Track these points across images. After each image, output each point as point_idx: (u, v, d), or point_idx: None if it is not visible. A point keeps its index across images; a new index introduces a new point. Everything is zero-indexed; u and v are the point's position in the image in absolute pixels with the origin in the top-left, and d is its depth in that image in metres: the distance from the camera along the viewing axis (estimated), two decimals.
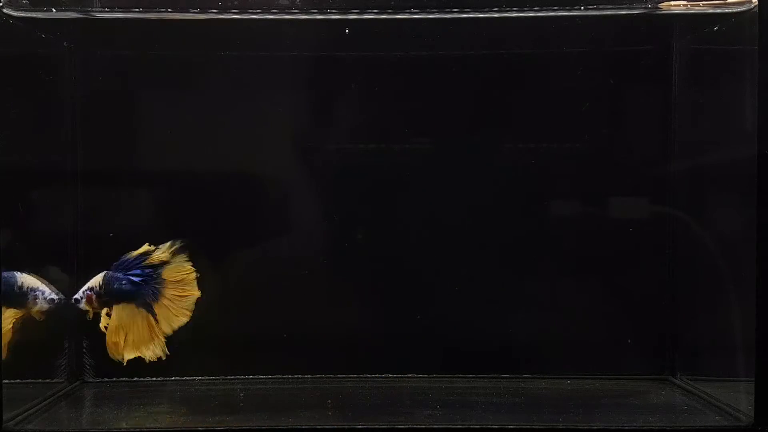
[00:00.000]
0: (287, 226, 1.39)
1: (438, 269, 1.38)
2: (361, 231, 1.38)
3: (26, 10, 1.18)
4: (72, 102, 1.34)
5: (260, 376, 1.35)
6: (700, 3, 1.18)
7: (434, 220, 1.38)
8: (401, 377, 1.36)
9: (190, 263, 1.25)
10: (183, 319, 1.25)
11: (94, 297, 1.24)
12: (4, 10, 1.15)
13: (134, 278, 1.25)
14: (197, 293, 1.26)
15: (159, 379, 1.34)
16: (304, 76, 1.38)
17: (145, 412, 1.20)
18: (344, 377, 1.36)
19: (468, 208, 1.38)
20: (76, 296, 1.24)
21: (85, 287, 1.25)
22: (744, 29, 1.14)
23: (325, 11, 1.21)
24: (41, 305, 1.22)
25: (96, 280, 1.25)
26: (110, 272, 1.25)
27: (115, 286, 1.25)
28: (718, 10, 1.17)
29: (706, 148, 1.32)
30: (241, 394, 1.28)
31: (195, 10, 1.21)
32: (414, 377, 1.36)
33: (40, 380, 1.29)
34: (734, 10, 1.15)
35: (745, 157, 1.11)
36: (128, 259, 1.25)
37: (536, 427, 1.11)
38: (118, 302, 1.25)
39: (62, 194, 1.35)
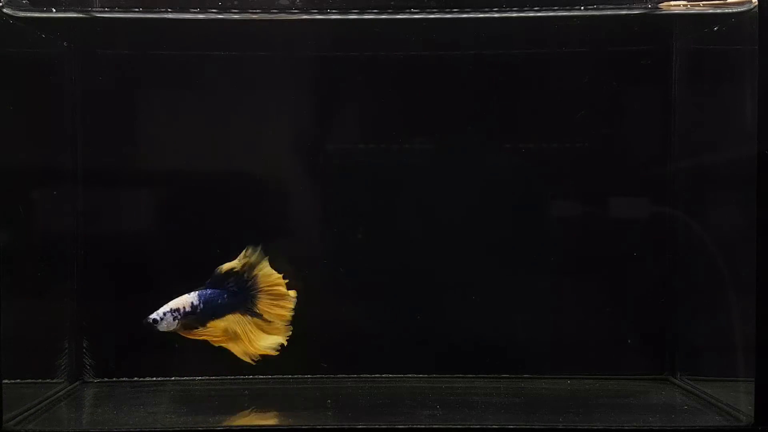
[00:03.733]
0: (287, 225, 1.39)
1: (438, 269, 1.38)
2: (362, 231, 1.38)
3: (26, 10, 1.18)
4: (72, 102, 1.34)
5: (260, 376, 1.35)
6: (700, 3, 1.18)
7: (434, 220, 1.38)
8: (401, 377, 1.36)
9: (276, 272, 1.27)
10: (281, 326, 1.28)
11: (179, 318, 1.24)
12: (4, 10, 1.15)
13: (233, 289, 1.26)
14: (293, 294, 1.28)
15: (159, 379, 1.34)
16: (304, 76, 1.38)
17: (145, 412, 1.20)
18: (344, 377, 1.36)
19: (468, 207, 1.38)
20: (155, 317, 1.24)
21: (166, 309, 1.24)
22: (744, 29, 1.14)
23: (325, 11, 1.21)
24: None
25: (180, 303, 1.24)
26: (204, 291, 1.25)
27: (219, 302, 1.25)
28: (718, 10, 1.17)
29: (706, 148, 1.32)
30: (250, 392, 1.29)
31: (195, 10, 1.21)
32: (414, 377, 1.36)
33: (40, 380, 1.29)
34: (734, 10, 1.15)
35: (745, 157, 1.11)
36: (220, 274, 1.26)
37: (536, 427, 1.11)
38: (217, 318, 1.26)
39: (62, 194, 1.35)
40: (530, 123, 1.38)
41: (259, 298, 1.27)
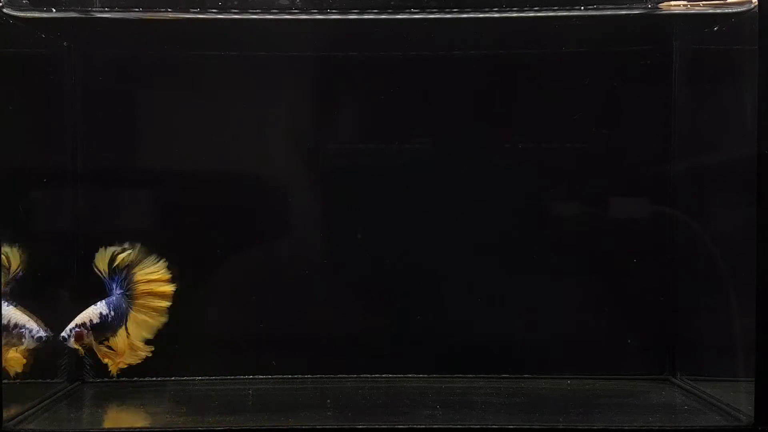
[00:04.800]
0: (287, 226, 1.39)
1: (438, 269, 1.38)
2: (361, 231, 1.38)
3: (26, 10, 1.18)
4: (72, 102, 1.34)
5: (260, 376, 1.35)
6: (700, 3, 1.18)
7: (434, 220, 1.38)
8: (401, 377, 1.36)
9: (160, 262, 1.26)
10: (162, 319, 1.27)
11: (85, 333, 1.21)
12: (4, 10, 1.15)
13: (123, 290, 1.25)
14: (170, 289, 1.27)
15: (159, 379, 1.34)
16: (303, 76, 1.38)
17: (145, 412, 1.20)
18: (344, 377, 1.36)
19: (468, 207, 1.38)
20: (63, 334, 1.21)
21: (72, 325, 1.21)
22: (744, 29, 1.14)
23: (325, 11, 1.21)
24: (27, 343, 1.18)
25: (87, 316, 1.22)
26: (111, 299, 1.23)
27: (124, 306, 1.24)
28: (718, 10, 1.17)
29: (706, 148, 1.32)
30: (250, 392, 1.28)
31: (195, 10, 1.21)
32: (414, 377, 1.36)
33: (40, 380, 1.29)
34: (734, 10, 1.15)
35: (744, 157, 1.11)
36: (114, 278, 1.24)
37: (536, 427, 1.11)
38: (122, 324, 1.24)
39: (62, 194, 1.35)
40: (530, 123, 1.38)
41: (139, 296, 1.26)
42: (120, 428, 1.14)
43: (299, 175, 1.38)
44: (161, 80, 1.38)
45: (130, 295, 1.25)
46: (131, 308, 1.25)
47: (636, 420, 1.15)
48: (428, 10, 1.21)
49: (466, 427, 1.10)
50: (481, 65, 1.37)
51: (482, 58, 1.36)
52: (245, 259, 1.37)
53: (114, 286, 1.25)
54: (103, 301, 1.23)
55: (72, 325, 1.21)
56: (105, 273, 1.25)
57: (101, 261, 1.25)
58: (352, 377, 1.35)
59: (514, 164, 1.38)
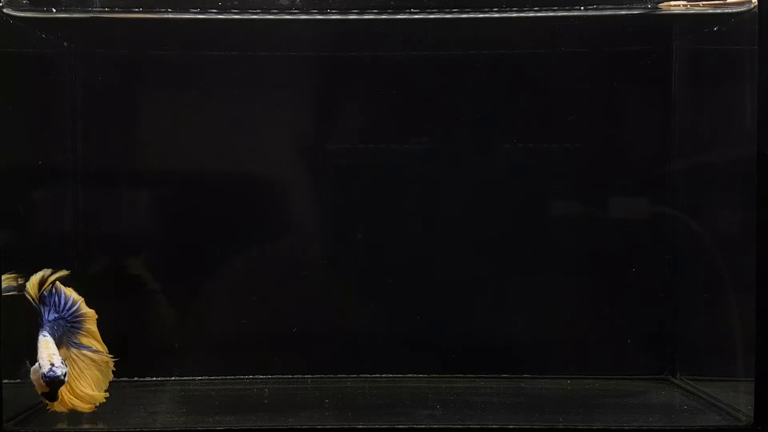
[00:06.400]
0: (287, 226, 1.39)
1: (438, 269, 1.38)
2: (362, 230, 1.38)
3: (26, 10, 1.18)
4: (72, 102, 1.34)
5: (260, 376, 1.35)
6: (700, 3, 1.18)
7: (434, 220, 1.38)
8: (401, 377, 1.36)
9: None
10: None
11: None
12: (4, 10, 1.15)
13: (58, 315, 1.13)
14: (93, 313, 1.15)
15: (159, 378, 1.34)
16: (304, 77, 1.38)
17: (145, 412, 1.20)
18: (344, 377, 1.36)
19: (467, 207, 1.38)
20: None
21: (59, 359, 1.07)
22: (744, 29, 1.14)
23: (325, 11, 1.21)
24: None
25: (53, 348, 1.08)
26: (48, 326, 1.10)
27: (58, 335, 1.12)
28: (718, 11, 1.17)
29: (706, 148, 1.32)
30: (254, 390, 1.28)
31: (195, 10, 1.21)
32: (414, 377, 1.36)
33: None
34: (734, 10, 1.15)
35: (745, 157, 1.11)
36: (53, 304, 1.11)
37: (536, 427, 1.11)
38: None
39: (62, 194, 1.35)
40: (530, 123, 1.38)
41: (82, 324, 1.13)
42: (120, 428, 1.13)
43: (299, 174, 1.38)
44: (161, 80, 1.38)
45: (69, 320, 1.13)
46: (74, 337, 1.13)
47: (636, 420, 1.15)
48: (428, 10, 1.21)
49: (466, 427, 1.10)
50: (480, 65, 1.37)
51: (482, 58, 1.36)
52: (245, 259, 1.37)
53: (47, 312, 1.11)
54: (45, 329, 1.10)
55: (59, 359, 1.08)
56: (36, 298, 1.11)
57: (32, 286, 1.11)
58: (352, 377, 1.35)
59: (515, 164, 1.37)
